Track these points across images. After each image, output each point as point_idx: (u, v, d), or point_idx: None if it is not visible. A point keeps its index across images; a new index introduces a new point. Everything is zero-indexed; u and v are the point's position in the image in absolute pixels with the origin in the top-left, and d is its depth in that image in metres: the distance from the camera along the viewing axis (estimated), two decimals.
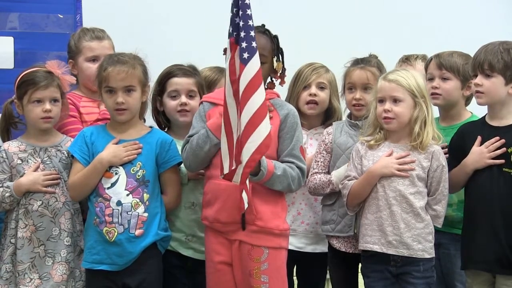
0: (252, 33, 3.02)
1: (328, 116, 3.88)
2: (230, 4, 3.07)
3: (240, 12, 3.03)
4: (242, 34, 3.02)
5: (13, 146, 3.45)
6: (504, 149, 3.32)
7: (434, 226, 3.39)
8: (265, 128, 3.01)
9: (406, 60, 4.12)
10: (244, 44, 3.02)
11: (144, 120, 3.57)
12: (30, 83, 3.41)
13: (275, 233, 3.26)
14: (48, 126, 3.45)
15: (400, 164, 3.33)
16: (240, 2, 3.03)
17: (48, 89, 3.41)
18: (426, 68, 3.77)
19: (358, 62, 3.73)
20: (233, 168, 3.02)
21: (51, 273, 3.38)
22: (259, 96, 3.00)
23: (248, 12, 3.03)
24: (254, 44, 3.02)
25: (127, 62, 3.37)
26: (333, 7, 5.43)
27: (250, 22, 3.03)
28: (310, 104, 3.80)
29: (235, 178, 3.05)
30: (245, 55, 3.01)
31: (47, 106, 3.40)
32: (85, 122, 3.65)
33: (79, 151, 3.40)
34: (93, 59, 3.72)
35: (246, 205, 3.08)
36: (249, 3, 3.04)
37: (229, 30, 3.08)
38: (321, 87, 3.81)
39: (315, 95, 3.80)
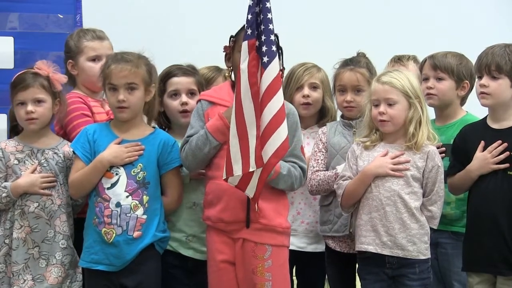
0: (272, 37, 3.03)
1: (322, 115, 3.87)
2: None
3: (261, 16, 3.02)
4: (263, 37, 3.02)
5: (10, 145, 3.44)
6: (507, 153, 3.32)
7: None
8: (283, 132, 3.02)
9: (399, 60, 4.14)
10: (264, 48, 3.02)
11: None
12: (14, 86, 3.43)
13: (278, 231, 3.27)
14: (33, 128, 3.43)
15: (394, 164, 3.32)
16: (261, 5, 3.03)
17: (28, 90, 3.40)
18: (421, 69, 3.80)
19: (347, 64, 3.71)
20: (250, 170, 3.02)
21: (45, 275, 3.37)
22: (277, 99, 3.02)
23: (269, 15, 3.03)
24: (274, 47, 3.03)
25: (131, 61, 3.36)
26: (330, 7, 5.44)
27: (271, 26, 3.04)
28: (304, 105, 3.79)
29: (248, 191, 3.08)
30: (265, 58, 3.02)
31: (28, 107, 3.39)
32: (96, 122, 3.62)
33: (81, 148, 3.38)
34: (94, 59, 3.69)
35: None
36: (270, 7, 3.03)
37: (246, 31, 3.06)
38: (313, 87, 3.81)
39: (308, 96, 3.79)
